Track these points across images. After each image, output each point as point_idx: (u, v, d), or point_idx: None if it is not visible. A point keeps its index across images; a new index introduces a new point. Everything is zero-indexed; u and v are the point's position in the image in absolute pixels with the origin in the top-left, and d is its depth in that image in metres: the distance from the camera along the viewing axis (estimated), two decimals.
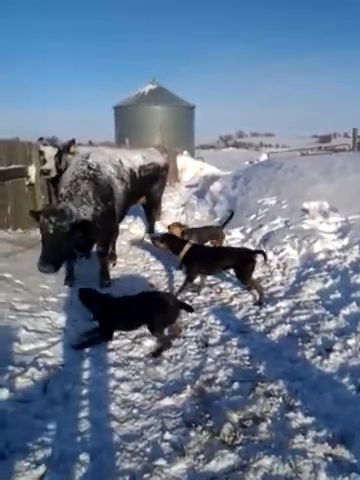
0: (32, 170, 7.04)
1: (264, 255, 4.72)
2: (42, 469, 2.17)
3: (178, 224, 6.03)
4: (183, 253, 4.64)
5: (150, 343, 3.61)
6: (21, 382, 2.91)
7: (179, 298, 4.47)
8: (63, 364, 3.23)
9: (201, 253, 4.74)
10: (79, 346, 3.49)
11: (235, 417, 2.54)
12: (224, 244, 6.03)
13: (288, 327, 3.75)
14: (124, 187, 5.37)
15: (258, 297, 4.42)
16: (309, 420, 2.49)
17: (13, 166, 6.93)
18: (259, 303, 4.33)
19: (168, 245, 4.80)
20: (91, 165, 4.89)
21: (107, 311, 3.67)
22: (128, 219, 8.04)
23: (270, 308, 4.18)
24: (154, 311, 3.56)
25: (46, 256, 4.02)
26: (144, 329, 3.80)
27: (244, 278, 4.49)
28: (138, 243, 6.98)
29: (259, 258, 5.40)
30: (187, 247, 4.65)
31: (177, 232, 5.61)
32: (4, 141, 6.97)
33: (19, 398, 2.76)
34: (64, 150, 5.98)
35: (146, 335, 3.73)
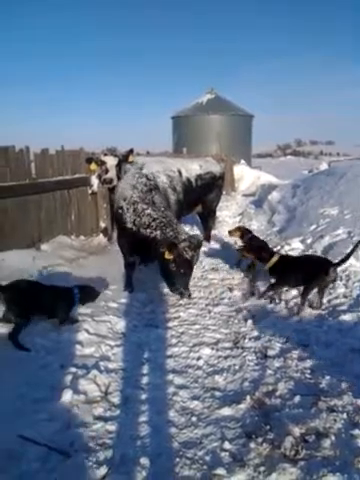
0: (94, 179, 7.29)
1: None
2: (104, 470, 2.23)
3: (239, 229, 5.86)
4: (270, 264, 4.61)
5: (208, 351, 3.61)
6: (83, 384, 2.99)
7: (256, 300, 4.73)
8: (123, 368, 3.29)
9: (291, 264, 4.62)
10: None
11: (297, 431, 2.46)
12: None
13: (351, 341, 3.60)
14: (176, 197, 5.40)
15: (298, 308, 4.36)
16: None
17: (77, 175, 7.23)
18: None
19: (255, 255, 4.82)
20: (149, 176, 5.02)
21: None
22: (185, 227, 8.08)
23: (332, 321, 4.04)
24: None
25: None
26: (201, 338, 3.82)
27: (307, 288, 4.34)
28: None
29: None
30: (275, 259, 4.61)
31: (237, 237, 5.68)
32: (69, 151, 7.25)
33: (82, 399, 2.84)
34: (123, 159, 6.13)
35: (204, 343, 3.73)
